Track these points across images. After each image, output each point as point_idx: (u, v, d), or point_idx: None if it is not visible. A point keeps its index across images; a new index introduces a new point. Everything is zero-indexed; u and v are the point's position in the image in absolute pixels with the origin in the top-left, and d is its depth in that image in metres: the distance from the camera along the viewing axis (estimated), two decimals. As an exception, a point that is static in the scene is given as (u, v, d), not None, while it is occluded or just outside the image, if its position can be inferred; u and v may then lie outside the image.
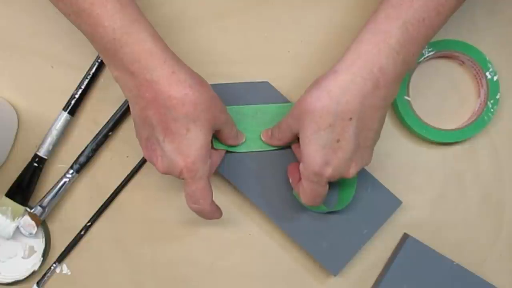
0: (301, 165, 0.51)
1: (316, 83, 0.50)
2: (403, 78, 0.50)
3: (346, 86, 0.48)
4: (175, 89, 0.48)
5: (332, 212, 0.58)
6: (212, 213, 0.53)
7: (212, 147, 0.55)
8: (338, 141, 0.49)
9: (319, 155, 0.49)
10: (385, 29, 0.48)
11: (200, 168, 0.50)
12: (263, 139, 0.58)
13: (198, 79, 0.50)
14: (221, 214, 0.55)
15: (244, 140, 0.57)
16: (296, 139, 0.54)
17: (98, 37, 0.48)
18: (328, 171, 0.50)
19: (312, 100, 0.49)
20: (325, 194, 0.53)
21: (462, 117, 0.61)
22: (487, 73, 0.59)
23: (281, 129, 0.55)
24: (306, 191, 0.52)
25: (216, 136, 0.55)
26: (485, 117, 0.59)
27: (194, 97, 0.48)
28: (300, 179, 0.53)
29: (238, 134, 0.57)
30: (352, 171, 0.50)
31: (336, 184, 0.58)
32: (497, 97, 0.59)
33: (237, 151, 0.58)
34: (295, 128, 0.52)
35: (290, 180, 0.56)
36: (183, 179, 0.51)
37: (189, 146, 0.49)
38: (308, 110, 0.49)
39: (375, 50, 0.48)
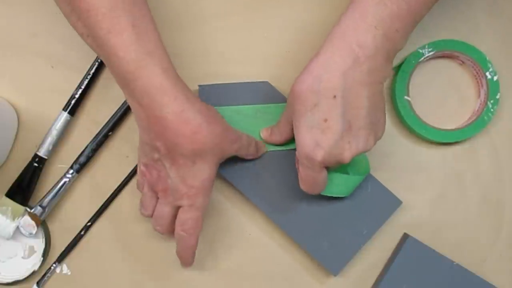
0: (296, 151, 0.51)
1: (303, 69, 0.50)
2: (390, 55, 0.49)
3: (326, 64, 0.48)
4: (184, 128, 0.48)
5: (336, 200, 0.58)
6: (190, 249, 0.54)
7: None
8: (325, 120, 0.48)
9: (308, 136, 0.49)
10: (362, 6, 0.48)
11: (201, 199, 0.52)
12: (262, 137, 0.58)
13: (208, 116, 0.50)
14: (192, 262, 0.56)
15: (266, 149, 0.58)
16: None
17: (112, 65, 0.48)
18: (320, 154, 0.49)
19: (297, 84, 0.49)
20: (322, 180, 0.52)
21: (462, 117, 0.61)
22: (487, 73, 0.59)
23: (280, 123, 0.56)
24: (302, 177, 0.52)
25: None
26: (485, 117, 0.59)
27: (202, 136, 0.49)
28: None
29: (258, 147, 0.57)
30: (347, 155, 0.49)
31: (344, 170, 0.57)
32: (497, 97, 0.59)
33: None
34: (290, 117, 0.52)
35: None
36: (179, 206, 0.52)
37: (194, 177, 0.50)
38: (295, 95, 0.49)
39: (353, 27, 0.48)
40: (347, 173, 0.57)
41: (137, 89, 0.48)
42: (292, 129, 0.53)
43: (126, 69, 0.47)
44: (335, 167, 0.52)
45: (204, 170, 0.51)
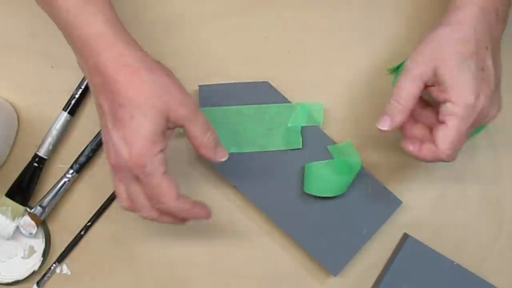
0: (446, 105, 0.47)
1: (439, 23, 0.49)
2: (507, 18, 0.51)
3: (476, 16, 0.48)
4: (120, 72, 0.45)
5: (336, 200, 0.57)
6: (186, 211, 0.48)
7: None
8: (483, 69, 0.47)
9: (472, 84, 0.47)
10: None
11: (147, 161, 0.45)
12: (383, 129, 0.50)
13: (149, 64, 0.46)
14: (207, 212, 0.51)
15: (225, 158, 0.50)
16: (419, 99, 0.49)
17: (55, 17, 0.47)
18: (480, 103, 0.47)
19: (447, 34, 0.48)
20: (465, 140, 0.49)
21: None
22: (487, 74, 0.59)
23: (403, 90, 0.49)
24: (451, 134, 0.47)
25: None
26: (484, 119, 0.59)
27: (140, 81, 0.45)
28: (421, 144, 0.49)
29: (219, 148, 0.50)
30: (494, 110, 0.49)
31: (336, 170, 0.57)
32: (497, 97, 0.59)
33: (237, 151, 0.58)
34: (425, 74, 0.48)
35: (410, 148, 0.49)
36: (135, 177, 0.46)
37: (132, 134, 0.45)
38: (446, 44, 0.47)
39: None
40: (337, 173, 0.57)
41: (78, 39, 0.46)
42: (419, 91, 0.48)
43: (66, 18, 0.46)
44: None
45: (143, 125, 0.44)
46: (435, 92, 0.49)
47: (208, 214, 0.51)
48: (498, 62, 0.50)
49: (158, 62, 0.48)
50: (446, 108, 0.47)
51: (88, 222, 0.60)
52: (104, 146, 0.48)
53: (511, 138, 0.61)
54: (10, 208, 0.59)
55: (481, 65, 0.47)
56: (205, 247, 0.60)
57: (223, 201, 0.60)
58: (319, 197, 0.57)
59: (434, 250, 0.58)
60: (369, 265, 0.60)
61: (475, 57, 0.47)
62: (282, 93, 0.59)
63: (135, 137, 0.45)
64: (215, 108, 0.58)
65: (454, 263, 0.58)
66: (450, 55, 0.47)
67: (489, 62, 0.48)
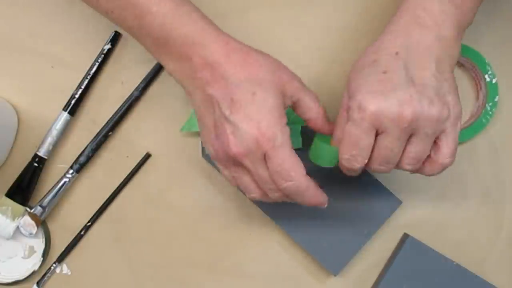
0: (348, 109, 0.46)
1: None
2: (460, 26, 0.47)
3: (388, 30, 0.47)
4: (233, 55, 0.45)
5: (336, 200, 0.57)
6: (312, 190, 0.47)
7: None
8: (385, 72, 0.45)
9: (364, 87, 0.45)
10: None
11: (277, 133, 0.44)
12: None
13: (254, 49, 0.47)
14: (326, 198, 0.49)
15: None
16: None
17: (146, 26, 0.47)
18: (373, 104, 0.43)
19: (360, 58, 0.48)
20: (366, 146, 0.45)
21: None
22: (486, 76, 0.59)
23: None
24: (344, 138, 0.46)
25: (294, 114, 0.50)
26: (483, 120, 0.59)
27: (253, 60, 0.45)
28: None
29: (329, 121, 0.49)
30: (408, 109, 0.43)
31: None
32: (496, 99, 0.59)
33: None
34: (345, 100, 0.48)
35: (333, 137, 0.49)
36: (263, 157, 0.45)
37: (259, 110, 0.44)
38: (354, 66, 0.48)
39: None
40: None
41: (179, 38, 0.46)
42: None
43: (163, 21, 0.46)
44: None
45: (266, 100, 0.44)
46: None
47: (325, 202, 0.49)
48: (426, 64, 0.45)
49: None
50: (348, 103, 0.46)
51: (88, 222, 0.60)
52: (216, 143, 0.46)
53: (511, 138, 0.61)
54: (10, 208, 0.59)
55: (382, 69, 0.45)
56: (205, 247, 0.60)
57: (223, 201, 0.60)
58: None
59: (434, 250, 0.58)
60: (369, 265, 0.60)
61: (375, 64, 0.45)
62: (282, 93, 0.59)
63: (261, 112, 0.44)
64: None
65: (454, 263, 0.58)
66: (353, 71, 0.47)
67: (396, 64, 0.45)
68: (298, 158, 0.46)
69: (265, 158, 0.45)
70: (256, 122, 0.44)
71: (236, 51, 0.46)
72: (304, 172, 0.46)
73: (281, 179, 0.46)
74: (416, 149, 0.46)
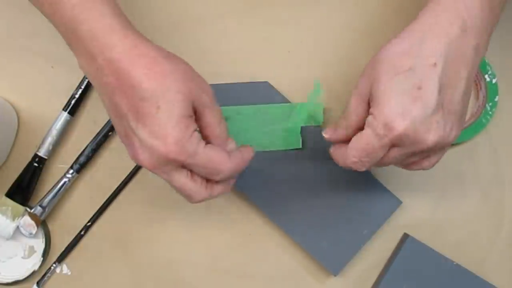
0: (369, 117, 0.44)
1: (392, 39, 0.44)
2: (491, 32, 0.44)
3: (429, 28, 0.42)
4: (138, 63, 0.42)
5: (336, 200, 0.57)
6: (242, 163, 0.46)
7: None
8: (419, 88, 0.42)
9: (396, 101, 0.42)
10: None
11: (187, 143, 0.42)
12: (326, 137, 0.49)
13: (165, 53, 0.44)
14: (251, 151, 0.48)
15: (251, 154, 0.49)
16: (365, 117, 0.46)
17: (58, 16, 0.44)
18: (402, 125, 0.42)
19: (390, 46, 0.43)
20: (376, 160, 0.45)
21: (461, 118, 0.61)
22: (486, 76, 0.59)
23: (348, 106, 0.46)
24: (361, 142, 0.44)
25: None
26: (483, 120, 0.59)
27: (160, 69, 0.42)
28: (345, 140, 0.47)
29: (228, 140, 0.48)
30: (432, 138, 0.42)
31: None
32: (496, 99, 0.59)
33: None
34: (366, 90, 0.45)
35: (331, 150, 0.49)
36: (178, 167, 0.44)
37: (163, 126, 0.42)
38: (384, 57, 0.43)
39: None
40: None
41: (85, 34, 0.43)
42: (363, 110, 0.46)
43: (71, 14, 0.43)
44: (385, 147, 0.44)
45: (172, 113, 0.42)
46: (371, 105, 0.45)
47: (252, 155, 0.48)
48: (461, 84, 0.43)
49: (165, 50, 0.45)
50: (368, 120, 0.44)
51: (88, 222, 0.60)
52: (129, 150, 0.45)
53: (511, 138, 0.61)
54: (10, 208, 0.59)
55: (417, 83, 0.42)
56: (205, 247, 0.60)
57: (223, 201, 0.60)
58: (319, 196, 0.58)
59: (434, 250, 0.58)
60: (369, 265, 0.60)
61: (410, 73, 0.42)
62: (282, 93, 0.59)
63: (166, 127, 0.42)
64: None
65: (454, 263, 0.58)
66: (384, 69, 0.43)
67: (432, 81, 0.42)
68: (215, 148, 0.44)
69: (183, 165, 0.44)
70: (162, 139, 0.42)
71: (143, 57, 0.42)
72: (228, 158, 0.44)
73: (212, 176, 0.45)
74: (414, 160, 0.46)
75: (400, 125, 0.42)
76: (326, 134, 0.50)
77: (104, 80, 0.43)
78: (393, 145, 0.44)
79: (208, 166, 0.44)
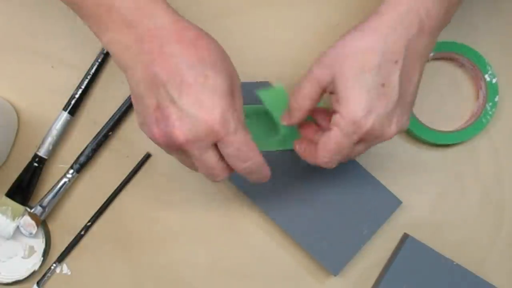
0: (335, 116, 0.45)
1: (353, 28, 0.45)
2: (440, 31, 0.47)
3: (393, 26, 0.44)
4: (184, 34, 0.42)
5: (336, 200, 0.57)
6: (266, 166, 0.47)
7: None
8: (383, 85, 0.43)
9: (363, 99, 0.43)
10: None
11: (230, 119, 0.42)
12: (284, 123, 0.50)
13: (206, 32, 0.44)
14: (269, 171, 0.48)
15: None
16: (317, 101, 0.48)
17: (101, 3, 0.43)
18: (369, 121, 0.43)
19: (353, 41, 0.44)
20: (348, 156, 0.47)
21: (460, 119, 0.61)
22: (486, 76, 0.59)
23: (302, 90, 0.47)
24: (330, 143, 0.45)
25: None
26: (484, 120, 0.59)
27: (205, 42, 0.43)
28: (307, 144, 0.49)
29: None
30: (392, 129, 0.45)
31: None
32: (496, 99, 0.59)
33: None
34: (324, 79, 0.45)
35: (296, 147, 0.50)
36: (211, 144, 0.43)
37: (211, 96, 0.41)
38: (349, 51, 0.44)
39: None
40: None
41: (126, 5, 0.42)
42: (320, 94, 0.47)
43: None
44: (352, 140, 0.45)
45: (220, 83, 0.42)
46: (332, 99, 0.46)
47: (269, 175, 0.49)
48: (415, 77, 0.46)
49: None
50: (334, 118, 0.45)
51: (88, 222, 0.60)
52: (159, 125, 0.43)
53: (511, 138, 0.61)
54: (10, 208, 0.59)
55: (382, 80, 0.43)
56: (205, 247, 0.60)
57: (222, 200, 0.60)
58: (319, 196, 0.58)
59: (434, 250, 0.58)
60: (369, 265, 0.60)
61: (376, 71, 0.43)
62: (282, 93, 0.59)
63: (214, 97, 0.41)
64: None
65: (454, 263, 0.58)
66: (349, 65, 0.44)
67: (394, 78, 0.44)
68: (250, 136, 0.45)
69: (215, 144, 0.43)
70: (210, 109, 0.41)
71: (188, 29, 0.43)
72: (257, 152, 0.45)
73: (240, 162, 0.44)
74: (361, 150, 0.48)
75: (368, 122, 0.44)
76: (283, 122, 0.50)
77: (145, 47, 0.42)
78: (359, 140, 0.45)
79: (242, 149, 0.44)
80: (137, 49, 0.42)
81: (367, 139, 0.45)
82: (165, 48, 0.41)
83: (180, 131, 0.42)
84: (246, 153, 0.44)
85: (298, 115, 0.48)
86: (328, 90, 0.46)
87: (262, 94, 0.52)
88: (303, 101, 0.47)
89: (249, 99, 0.59)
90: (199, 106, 0.41)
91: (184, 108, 0.41)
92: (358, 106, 0.43)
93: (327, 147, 0.46)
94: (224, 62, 0.43)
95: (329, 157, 0.46)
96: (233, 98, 0.43)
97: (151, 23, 0.42)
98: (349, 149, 0.46)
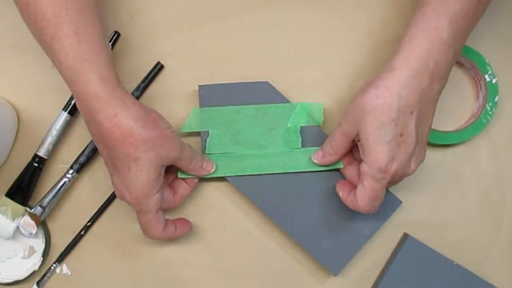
0: (363, 165, 0.51)
1: (370, 83, 0.51)
2: (449, 73, 0.52)
3: (405, 82, 0.49)
4: (115, 131, 0.50)
5: (336, 200, 0.58)
6: (170, 237, 0.56)
7: (180, 177, 0.57)
8: (401, 135, 0.49)
9: (385, 150, 0.49)
10: (435, 24, 0.49)
11: (143, 203, 0.52)
12: (315, 161, 0.57)
13: (144, 121, 0.51)
14: (189, 228, 0.58)
15: (213, 169, 0.57)
16: (351, 147, 0.55)
17: (58, 68, 0.51)
18: (393, 167, 0.50)
19: (371, 99, 0.50)
20: (383, 196, 0.52)
21: (460, 119, 0.61)
22: (486, 76, 0.59)
23: (335, 140, 0.55)
24: (366, 192, 0.52)
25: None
26: (483, 120, 0.59)
27: (133, 139, 0.50)
28: (350, 190, 0.54)
29: (205, 165, 0.57)
30: (413, 167, 0.51)
31: None
32: (496, 99, 0.59)
33: (237, 152, 0.58)
34: (351, 133, 0.52)
35: (340, 194, 0.55)
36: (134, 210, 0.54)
37: (131, 184, 0.51)
38: (369, 109, 0.50)
39: (429, 46, 0.49)
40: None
41: (76, 94, 0.50)
42: (348, 143, 0.54)
43: (65, 74, 0.50)
44: (386, 182, 0.51)
45: (139, 178, 0.51)
46: (360, 149, 0.52)
47: (189, 228, 0.58)
48: (430, 120, 0.52)
49: (150, 111, 0.52)
50: (363, 167, 0.51)
51: (88, 222, 0.60)
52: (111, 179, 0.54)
53: (511, 138, 0.61)
54: (10, 208, 0.59)
55: (400, 131, 0.49)
56: (205, 247, 0.60)
57: (222, 200, 0.60)
58: (319, 197, 0.58)
59: (434, 250, 0.58)
60: (369, 265, 0.60)
61: (394, 124, 0.49)
62: (282, 93, 0.59)
63: (133, 186, 0.51)
64: (215, 108, 0.58)
65: (454, 263, 0.58)
66: (370, 121, 0.50)
67: (411, 127, 0.49)
68: (160, 219, 0.54)
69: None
70: (129, 192, 0.52)
71: (120, 127, 0.50)
72: (161, 230, 0.54)
73: (142, 230, 0.55)
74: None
75: (392, 168, 0.50)
76: (315, 160, 0.57)
77: (92, 131, 0.52)
78: (388, 183, 0.51)
79: (145, 224, 0.54)
80: (88, 126, 0.52)
81: (395, 180, 0.52)
82: (103, 139, 0.51)
83: (116, 194, 0.54)
84: (146, 228, 0.54)
85: (330, 159, 0.56)
86: (356, 141, 0.53)
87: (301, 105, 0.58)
88: (336, 150, 0.55)
89: (249, 99, 0.59)
90: (124, 187, 0.52)
91: (116, 184, 0.53)
92: (381, 155, 0.50)
93: (365, 197, 0.52)
94: (151, 154, 0.51)
95: (369, 204, 0.52)
96: (152, 186, 0.52)
97: (94, 116, 0.50)
98: (383, 192, 0.52)
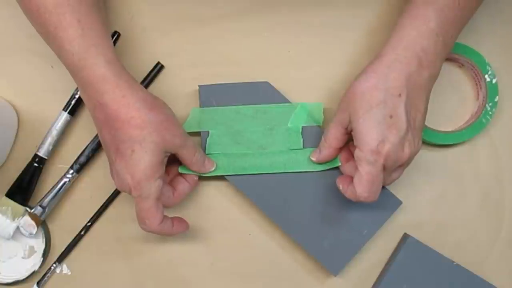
0: (356, 151, 0.51)
1: (362, 71, 0.52)
2: (443, 61, 0.53)
3: (391, 64, 0.50)
4: (122, 111, 0.50)
5: (336, 200, 0.58)
6: (166, 231, 0.54)
7: (181, 174, 0.57)
8: (391, 117, 0.50)
9: (375, 131, 0.50)
10: (423, 13, 0.51)
11: (144, 188, 0.51)
12: (313, 159, 0.57)
13: (151, 104, 0.51)
14: (186, 227, 0.56)
15: (214, 168, 0.57)
16: (345, 140, 0.55)
17: (63, 58, 0.52)
18: (385, 148, 0.49)
19: (360, 83, 0.51)
20: (380, 183, 0.52)
21: (460, 119, 0.61)
22: (486, 76, 0.59)
23: (329, 131, 0.55)
24: (363, 178, 0.51)
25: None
26: (483, 120, 0.59)
27: (140, 120, 0.50)
28: (350, 182, 0.53)
29: (206, 162, 0.57)
30: (407, 152, 0.51)
31: None
32: (496, 99, 0.59)
33: (237, 152, 0.58)
34: (344, 120, 0.53)
35: (340, 187, 0.55)
36: (134, 197, 0.53)
37: (134, 166, 0.51)
38: (357, 93, 0.51)
39: (415, 33, 0.50)
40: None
41: (83, 79, 0.51)
42: (344, 134, 0.54)
43: (72, 61, 0.51)
44: (380, 166, 0.51)
45: (142, 159, 0.50)
46: (353, 138, 0.52)
47: (186, 228, 0.56)
48: (421, 105, 0.51)
49: (157, 97, 0.53)
50: (356, 153, 0.51)
51: (88, 222, 0.60)
52: (111, 173, 0.54)
53: (511, 138, 0.61)
54: (10, 208, 0.59)
55: (389, 112, 0.49)
56: (205, 247, 0.60)
57: (223, 201, 0.60)
58: (319, 197, 0.58)
59: (434, 250, 0.58)
60: (369, 265, 0.60)
61: (382, 105, 0.49)
62: (282, 93, 0.59)
63: (136, 168, 0.51)
64: (215, 108, 0.58)
65: (454, 263, 0.58)
66: (360, 104, 0.50)
67: (400, 109, 0.50)
68: (159, 209, 0.53)
69: None
70: (131, 175, 0.51)
71: (128, 107, 0.50)
72: (159, 221, 0.53)
73: (139, 220, 0.53)
74: (394, 177, 0.54)
75: (384, 149, 0.50)
76: (313, 158, 0.57)
77: (96, 116, 0.52)
78: (383, 166, 0.51)
79: (142, 213, 0.52)
80: (93, 114, 0.52)
81: (388, 165, 0.51)
82: (108, 121, 0.51)
83: (116, 183, 0.53)
84: (144, 217, 0.53)
85: (326, 153, 0.56)
86: (349, 130, 0.53)
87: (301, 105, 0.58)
88: (331, 141, 0.55)
89: (249, 99, 0.59)
90: (126, 172, 0.51)
91: (117, 170, 0.52)
92: (371, 137, 0.50)
93: (363, 183, 0.51)
94: (156, 137, 0.51)
95: (367, 191, 0.51)
96: (155, 171, 0.51)
97: (100, 99, 0.50)
98: (380, 176, 0.51)
